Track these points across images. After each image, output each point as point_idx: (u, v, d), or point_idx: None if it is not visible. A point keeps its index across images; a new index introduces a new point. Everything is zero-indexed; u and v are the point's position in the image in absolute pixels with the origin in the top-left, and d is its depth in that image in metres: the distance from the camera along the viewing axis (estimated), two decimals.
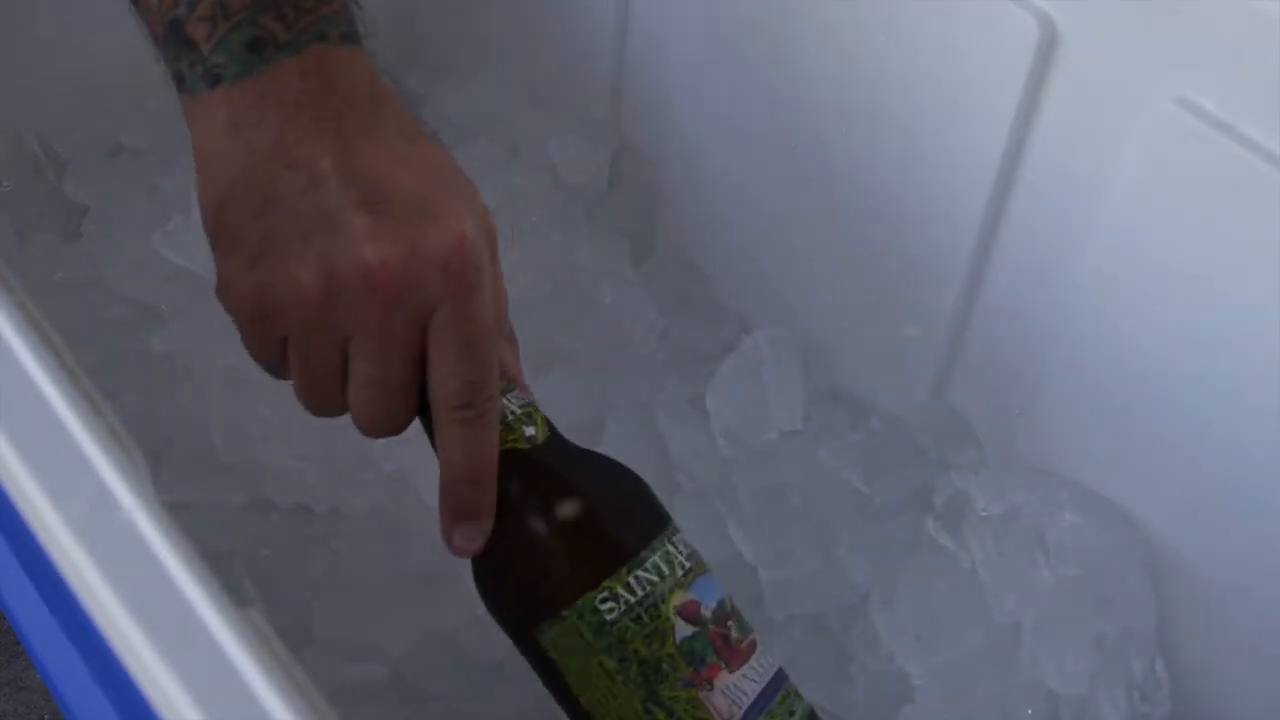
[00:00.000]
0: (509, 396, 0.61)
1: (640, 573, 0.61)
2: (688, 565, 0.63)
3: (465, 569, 0.73)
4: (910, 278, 0.82)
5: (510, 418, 0.61)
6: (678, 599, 0.61)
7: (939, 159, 0.78)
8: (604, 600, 0.60)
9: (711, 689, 0.61)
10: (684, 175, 0.97)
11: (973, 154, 0.75)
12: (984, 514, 0.73)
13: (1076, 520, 0.72)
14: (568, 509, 0.61)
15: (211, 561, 0.42)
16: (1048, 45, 0.70)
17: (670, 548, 0.63)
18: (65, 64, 0.92)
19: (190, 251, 0.88)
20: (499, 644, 0.66)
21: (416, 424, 0.60)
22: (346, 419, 0.58)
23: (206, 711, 0.39)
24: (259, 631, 0.40)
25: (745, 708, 0.61)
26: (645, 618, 0.60)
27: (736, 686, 0.62)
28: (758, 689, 0.62)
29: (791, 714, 0.63)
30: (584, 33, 0.99)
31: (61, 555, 0.43)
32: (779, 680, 0.64)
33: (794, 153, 0.86)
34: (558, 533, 0.61)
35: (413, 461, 0.80)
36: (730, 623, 0.63)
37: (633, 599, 0.60)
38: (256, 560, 0.78)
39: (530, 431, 0.61)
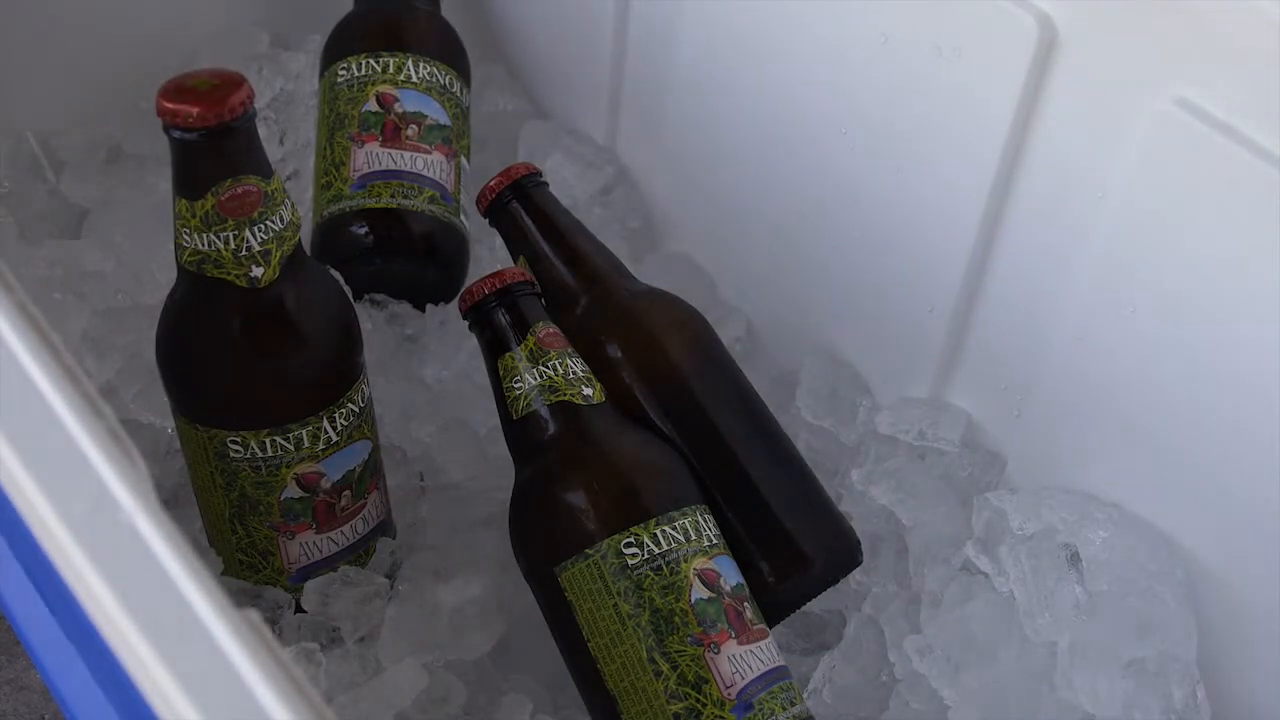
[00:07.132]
0: (576, 358, 0.67)
1: (668, 528, 0.64)
2: (714, 541, 0.66)
3: (470, 570, 0.73)
4: (910, 278, 0.82)
5: (572, 376, 0.67)
6: (699, 563, 0.64)
7: (939, 160, 0.78)
8: (628, 545, 0.63)
9: (718, 653, 0.63)
10: (684, 175, 0.97)
11: (973, 154, 0.75)
12: (1020, 533, 0.73)
13: (1110, 537, 0.71)
14: (607, 457, 0.66)
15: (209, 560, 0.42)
16: (1048, 45, 0.70)
17: (701, 520, 0.66)
18: (65, 65, 0.92)
19: None
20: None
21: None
22: None
23: (205, 712, 0.39)
24: (258, 632, 0.40)
25: (748, 680, 0.63)
26: (665, 570, 0.63)
27: (742, 659, 0.63)
28: (763, 668, 0.64)
29: (791, 704, 0.64)
30: (584, 34, 0.99)
31: (61, 556, 0.43)
32: (783, 672, 0.65)
33: (794, 153, 0.86)
34: (595, 476, 0.65)
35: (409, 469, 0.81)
36: (746, 604, 0.66)
37: (656, 550, 0.64)
38: None
39: (588, 392, 0.67)
